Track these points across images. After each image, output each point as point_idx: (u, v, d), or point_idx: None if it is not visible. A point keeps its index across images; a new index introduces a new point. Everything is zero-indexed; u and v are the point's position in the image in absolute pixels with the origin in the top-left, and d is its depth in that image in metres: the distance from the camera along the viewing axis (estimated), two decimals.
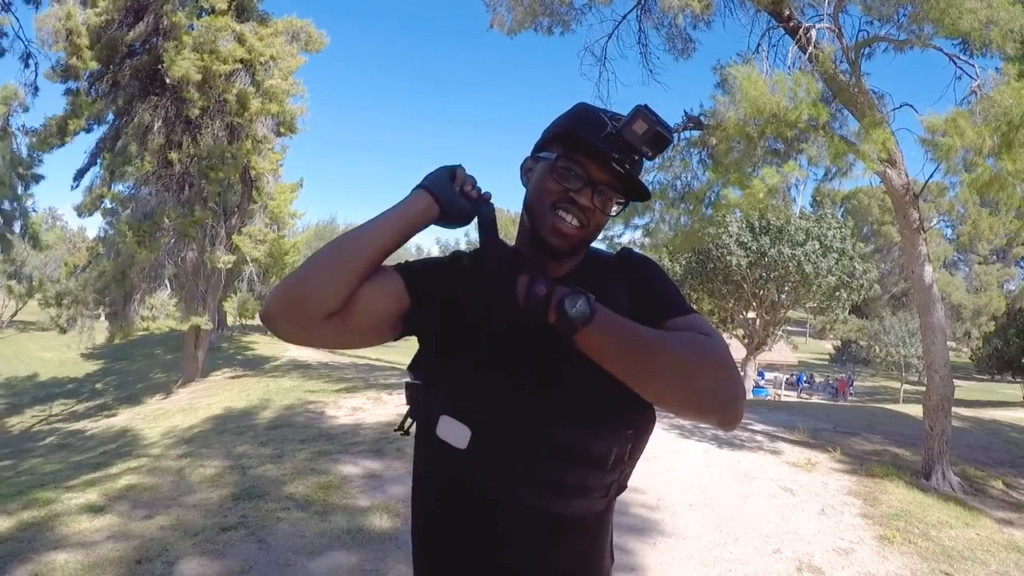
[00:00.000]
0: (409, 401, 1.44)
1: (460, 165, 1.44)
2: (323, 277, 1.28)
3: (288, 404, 11.71)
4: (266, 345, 30.18)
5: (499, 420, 1.29)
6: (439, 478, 1.39)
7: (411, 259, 1.54)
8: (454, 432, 1.30)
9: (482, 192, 1.43)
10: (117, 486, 6.34)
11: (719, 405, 1.24)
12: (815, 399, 33.17)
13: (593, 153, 1.32)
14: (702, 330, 1.31)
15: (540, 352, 1.29)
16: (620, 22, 10.66)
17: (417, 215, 1.36)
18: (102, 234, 19.52)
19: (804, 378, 42.76)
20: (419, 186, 1.38)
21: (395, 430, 1.50)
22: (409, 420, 1.42)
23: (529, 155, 1.49)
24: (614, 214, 1.45)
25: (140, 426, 12.99)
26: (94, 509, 5.45)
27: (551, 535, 1.34)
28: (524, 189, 1.47)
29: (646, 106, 1.28)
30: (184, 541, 4.72)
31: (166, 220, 17.52)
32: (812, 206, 37.16)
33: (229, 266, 19.20)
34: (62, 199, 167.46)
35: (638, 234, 10.96)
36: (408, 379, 1.45)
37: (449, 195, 1.38)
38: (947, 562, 5.44)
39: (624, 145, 1.30)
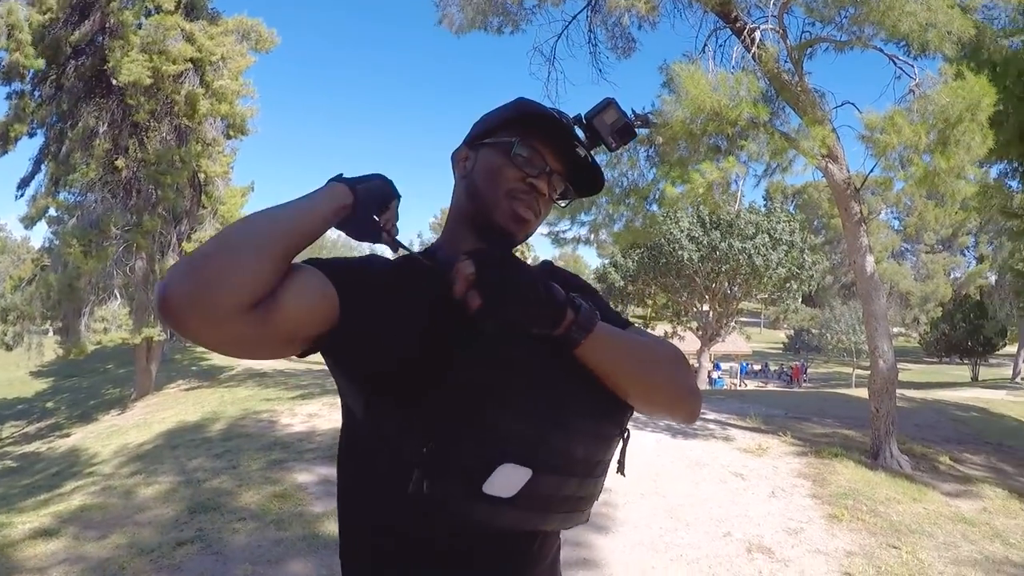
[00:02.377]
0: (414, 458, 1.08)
1: (399, 197, 1.29)
2: (243, 254, 1.01)
3: (243, 414, 11.57)
4: (220, 355, 29.74)
5: (553, 441, 1.10)
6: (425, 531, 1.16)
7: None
8: (507, 480, 1.05)
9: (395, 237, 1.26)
10: (70, 507, 6.22)
11: (695, 401, 1.25)
12: (770, 387, 33.75)
13: (559, 138, 1.28)
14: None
15: (543, 362, 1.13)
16: (570, 22, 10.73)
17: (335, 212, 1.16)
18: (47, 244, 19.08)
19: (746, 367, 43.51)
20: (350, 187, 1.18)
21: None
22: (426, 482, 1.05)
23: (464, 144, 1.38)
24: (562, 205, 1.43)
25: (93, 444, 12.73)
26: (47, 533, 5.35)
27: (534, 550, 1.24)
28: (452, 181, 1.39)
29: (614, 99, 1.27)
30: (140, 559, 4.67)
31: (113, 228, 17.12)
32: (765, 200, 37.81)
33: None
34: (4, 209, 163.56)
35: (584, 230, 11.05)
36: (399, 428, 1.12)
37: (366, 216, 1.21)
38: (895, 536, 5.62)
39: (591, 134, 1.29)
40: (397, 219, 1.28)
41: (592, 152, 1.31)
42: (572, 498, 1.15)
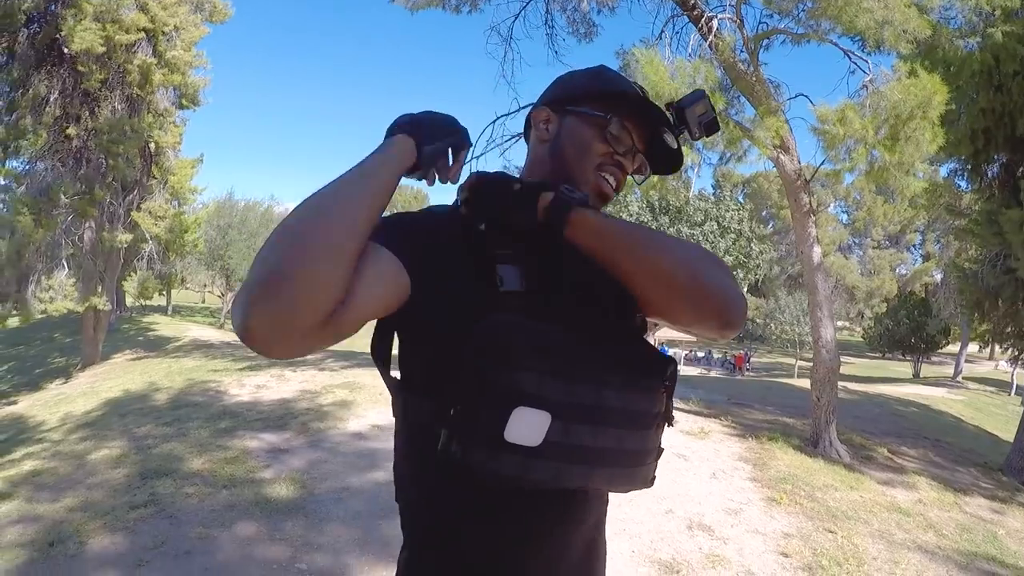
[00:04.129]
0: (415, 416, 1.16)
1: (470, 145, 1.29)
2: (321, 263, 0.92)
3: (190, 384, 11.50)
4: (167, 326, 29.39)
5: (579, 392, 1.04)
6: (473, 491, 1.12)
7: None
8: (527, 427, 1.00)
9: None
10: (21, 472, 6.22)
11: (729, 301, 1.10)
12: (713, 374, 34.21)
13: (651, 122, 1.30)
14: None
15: (574, 297, 1.17)
16: (528, 3, 10.70)
17: (400, 175, 1.14)
18: None
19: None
20: (416, 143, 1.16)
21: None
22: (444, 438, 1.03)
23: (544, 105, 1.34)
24: (638, 181, 1.43)
25: (40, 412, 12.53)
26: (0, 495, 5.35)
27: (582, 510, 1.21)
28: (526, 142, 1.39)
29: (706, 92, 1.30)
30: (94, 521, 4.68)
31: (63, 196, 16.84)
32: (713, 188, 38.16)
33: (125, 246, 18.61)
34: None
35: None
36: (398, 387, 1.17)
37: (429, 173, 1.22)
38: (831, 521, 5.83)
39: (680, 122, 1.29)
40: (461, 169, 1.27)
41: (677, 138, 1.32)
42: (614, 451, 1.08)
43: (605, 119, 1.26)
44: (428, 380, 1.11)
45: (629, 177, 1.34)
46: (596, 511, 1.25)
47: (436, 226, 1.18)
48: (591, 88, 1.31)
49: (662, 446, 1.19)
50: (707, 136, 1.32)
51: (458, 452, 1.00)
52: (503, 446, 0.99)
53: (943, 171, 13.26)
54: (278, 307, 0.87)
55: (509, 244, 1.14)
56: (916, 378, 34.98)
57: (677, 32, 9.92)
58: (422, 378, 1.14)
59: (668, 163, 1.37)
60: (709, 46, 8.59)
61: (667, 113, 1.29)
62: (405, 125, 1.18)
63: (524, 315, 1.06)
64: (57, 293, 18.80)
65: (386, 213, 1.13)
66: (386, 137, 1.18)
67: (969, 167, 10.88)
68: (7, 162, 17.75)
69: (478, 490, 1.09)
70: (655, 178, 8.61)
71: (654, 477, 1.19)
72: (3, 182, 17.74)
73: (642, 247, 1.10)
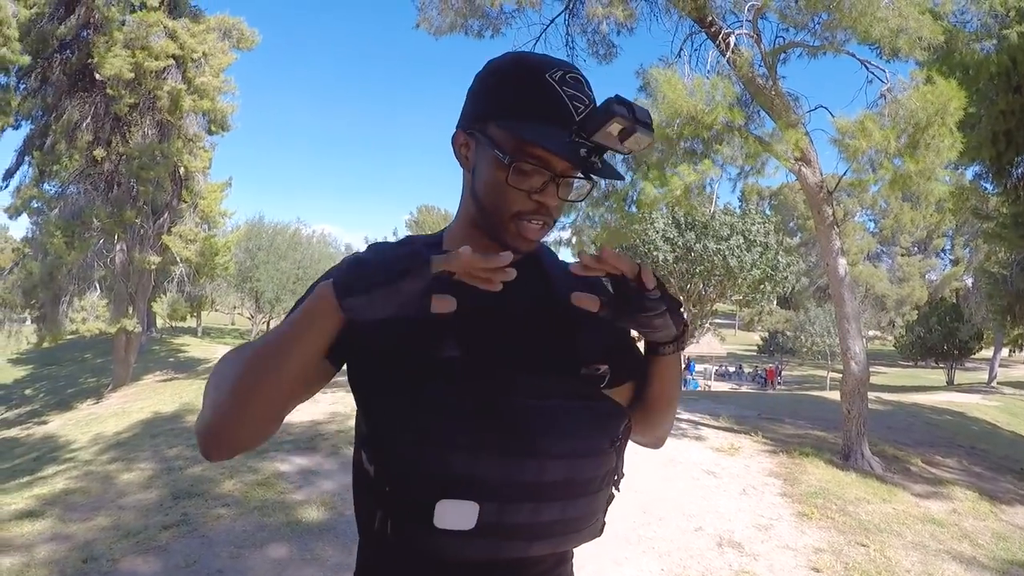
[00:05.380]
0: (365, 487, 1.10)
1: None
2: (245, 425, 1.01)
3: None
4: (198, 347, 29.71)
5: (516, 470, 0.99)
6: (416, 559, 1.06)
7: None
8: (457, 515, 0.96)
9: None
10: (53, 491, 6.32)
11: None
12: (744, 388, 33.88)
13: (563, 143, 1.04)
14: None
15: (520, 357, 1.10)
16: (548, 26, 10.75)
17: (323, 336, 1.00)
18: (29, 235, 19.07)
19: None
20: (337, 296, 0.96)
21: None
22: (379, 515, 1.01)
23: (462, 125, 1.16)
24: (577, 200, 1.27)
25: (71, 432, 12.75)
26: (31, 514, 5.45)
27: (534, 562, 1.14)
28: (459, 166, 1.19)
29: (618, 99, 1.00)
30: (126, 540, 4.76)
31: (95, 220, 17.19)
32: (740, 201, 37.99)
33: (155, 267, 18.91)
34: None
35: (566, 233, 11.18)
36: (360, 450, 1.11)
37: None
38: (864, 535, 5.74)
39: (596, 147, 1.03)
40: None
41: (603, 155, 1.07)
42: (559, 521, 1.04)
43: (504, 164, 1.06)
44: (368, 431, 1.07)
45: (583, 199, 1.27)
46: (549, 561, 1.18)
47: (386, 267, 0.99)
48: (496, 96, 1.11)
49: (614, 493, 1.14)
50: (640, 148, 1.03)
51: (392, 534, 0.98)
52: (435, 531, 0.96)
53: (968, 174, 13.12)
54: (218, 451, 1.02)
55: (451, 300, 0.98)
56: (950, 385, 34.34)
57: (696, 49, 9.95)
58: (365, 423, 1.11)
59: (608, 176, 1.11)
60: (728, 62, 8.59)
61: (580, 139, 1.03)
62: (335, 272, 1.03)
63: (460, 380, 1.02)
64: (89, 314, 19.13)
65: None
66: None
67: (993, 170, 10.78)
68: (43, 185, 18.18)
69: (416, 559, 1.05)
70: (679, 192, 8.74)
71: (603, 525, 1.15)
72: (37, 205, 18.15)
73: (678, 383, 1.25)
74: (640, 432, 1.27)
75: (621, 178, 1.15)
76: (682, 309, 1.13)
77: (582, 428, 1.04)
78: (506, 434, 0.98)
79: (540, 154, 1.06)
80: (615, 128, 0.99)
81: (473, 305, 1.02)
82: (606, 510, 1.14)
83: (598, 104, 1.03)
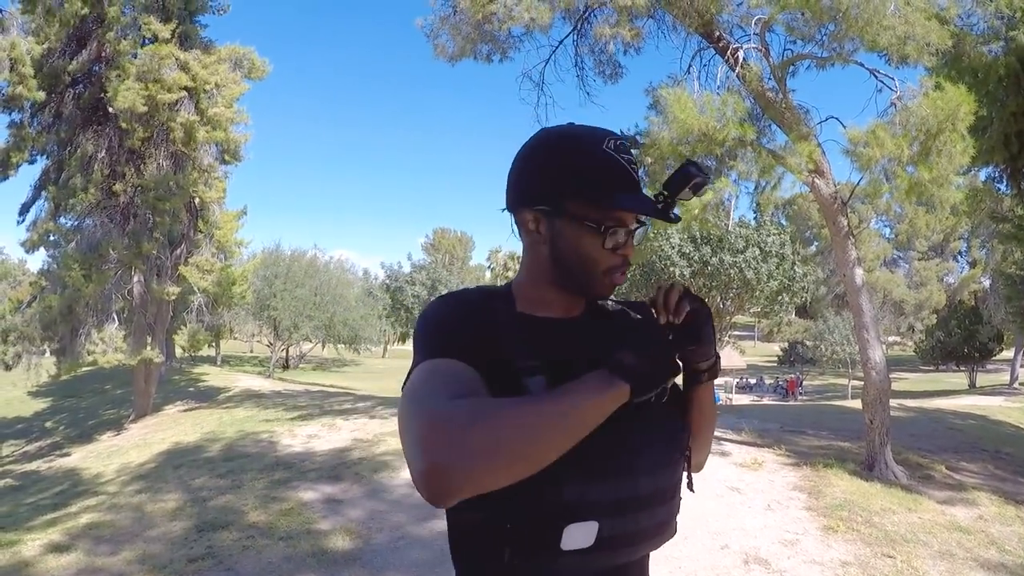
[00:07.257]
0: (457, 522, 1.24)
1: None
2: (517, 468, 0.98)
3: (242, 435, 11.61)
4: (217, 376, 29.71)
5: (616, 489, 1.17)
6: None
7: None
8: (581, 535, 1.13)
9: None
10: (79, 525, 6.36)
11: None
12: (766, 400, 33.68)
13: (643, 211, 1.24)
14: None
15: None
16: (556, 48, 10.80)
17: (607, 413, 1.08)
18: (46, 267, 19.20)
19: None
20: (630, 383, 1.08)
21: None
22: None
23: (526, 204, 1.28)
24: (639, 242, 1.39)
25: (94, 464, 12.79)
26: (59, 548, 5.49)
27: (639, 565, 1.32)
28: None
29: (691, 162, 1.21)
30: (154, 574, 4.80)
31: (112, 252, 17.31)
32: (754, 213, 37.88)
33: (173, 298, 19.01)
34: (2, 232, 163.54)
35: None
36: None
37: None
38: (890, 546, 5.70)
39: (671, 204, 1.21)
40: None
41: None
42: (653, 526, 1.24)
43: (599, 232, 1.22)
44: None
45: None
46: (646, 562, 1.37)
47: (491, 321, 1.24)
48: (571, 182, 1.22)
49: (680, 496, 1.34)
50: (697, 195, 1.26)
51: (521, 564, 1.14)
52: (561, 554, 1.12)
53: (982, 175, 13.05)
54: (455, 499, 0.96)
55: (533, 354, 1.20)
56: (972, 388, 34.05)
57: (705, 65, 9.98)
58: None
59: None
60: (737, 77, 8.62)
61: (659, 195, 1.21)
62: (625, 369, 1.09)
63: None
64: (108, 345, 19.21)
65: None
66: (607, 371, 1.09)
67: (1007, 171, 10.73)
68: (59, 219, 18.33)
69: None
70: (696, 210, 8.74)
71: (677, 526, 1.34)
72: (54, 239, 18.29)
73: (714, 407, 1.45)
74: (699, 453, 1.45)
75: (679, 219, 1.29)
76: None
77: (661, 445, 1.25)
78: (609, 460, 1.15)
79: (625, 217, 1.25)
80: (686, 195, 1.21)
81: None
82: (678, 512, 1.33)
83: (671, 171, 1.23)
